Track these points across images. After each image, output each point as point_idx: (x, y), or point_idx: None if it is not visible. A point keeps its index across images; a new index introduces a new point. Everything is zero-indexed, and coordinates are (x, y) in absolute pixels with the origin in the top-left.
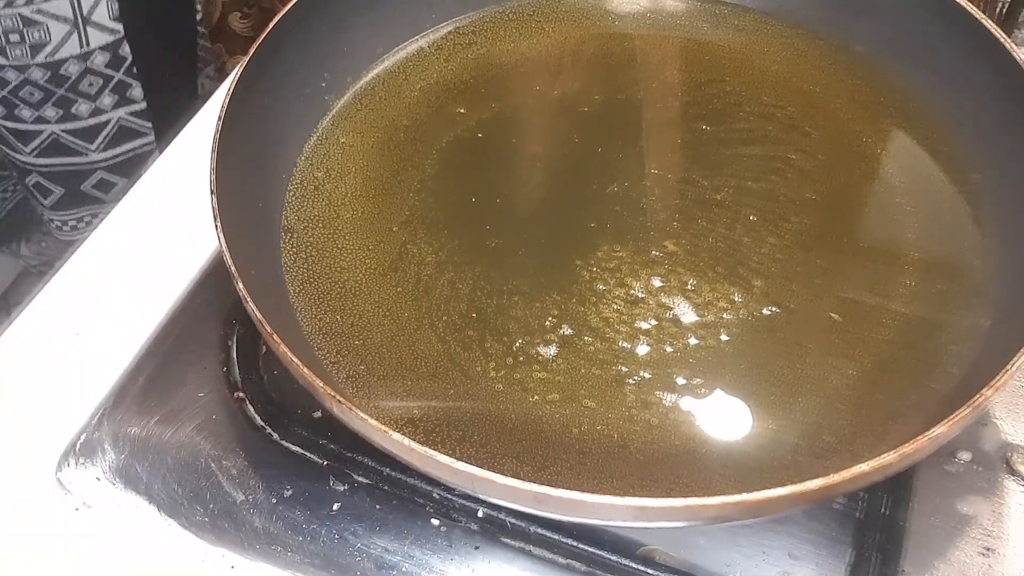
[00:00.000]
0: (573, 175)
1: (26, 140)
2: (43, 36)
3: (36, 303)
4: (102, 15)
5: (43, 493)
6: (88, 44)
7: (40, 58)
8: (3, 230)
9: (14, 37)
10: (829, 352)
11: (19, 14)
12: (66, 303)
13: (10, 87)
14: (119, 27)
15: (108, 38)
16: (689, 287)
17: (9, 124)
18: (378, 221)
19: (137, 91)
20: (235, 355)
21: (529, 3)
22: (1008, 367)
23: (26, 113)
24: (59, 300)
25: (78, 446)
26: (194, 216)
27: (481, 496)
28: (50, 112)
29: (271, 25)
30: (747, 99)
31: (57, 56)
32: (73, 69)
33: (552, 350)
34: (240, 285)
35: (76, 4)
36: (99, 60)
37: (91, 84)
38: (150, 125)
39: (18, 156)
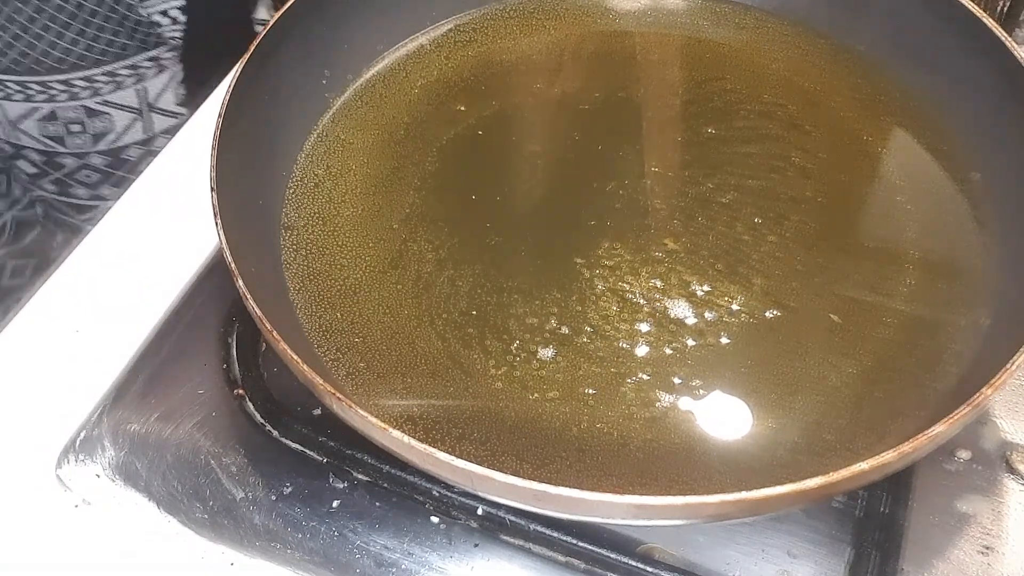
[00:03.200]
0: (573, 173)
1: (80, 212)
2: (107, 125)
3: (36, 299)
4: (167, 100)
5: (43, 490)
6: (152, 130)
7: (102, 146)
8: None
9: (75, 127)
10: (829, 351)
11: (83, 106)
12: (66, 300)
13: (65, 170)
14: (183, 111)
15: (171, 122)
16: (689, 285)
17: (63, 199)
18: (378, 219)
19: None
20: (235, 352)
21: (529, 0)
22: (1008, 366)
23: (82, 192)
24: (59, 297)
25: (78, 443)
26: (194, 213)
27: (481, 494)
28: (107, 191)
29: (271, 22)
30: (748, 97)
31: (119, 143)
32: (134, 153)
33: (552, 348)
34: (240, 282)
35: (142, 92)
36: (161, 143)
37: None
38: None
39: (69, 220)
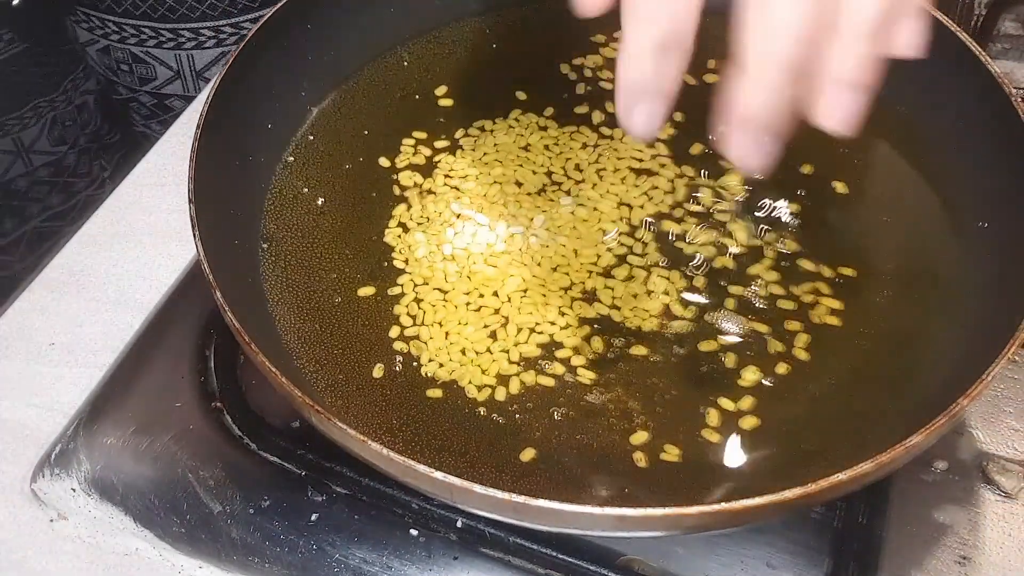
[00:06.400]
0: (553, 184)
1: None
2: None
3: (11, 312)
4: None
5: (17, 505)
6: None
7: None
8: None
9: None
10: (807, 362)
11: None
12: (42, 312)
13: None
14: None
15: None
16: (669, 300)
17: None
18: (357, 230)
19: None
20: (213, 365)
21: (509, 14)
22: (983, 377)
23: None
24: (34, 309)
25: (53, 457)
26: (172, 224)
27: (460, 506)
28: None
29: (251, 32)
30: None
31: None
32: None
33: (531, 360)
34: (218, 294)
35: None
36: None
37: None
38: None
39: None
